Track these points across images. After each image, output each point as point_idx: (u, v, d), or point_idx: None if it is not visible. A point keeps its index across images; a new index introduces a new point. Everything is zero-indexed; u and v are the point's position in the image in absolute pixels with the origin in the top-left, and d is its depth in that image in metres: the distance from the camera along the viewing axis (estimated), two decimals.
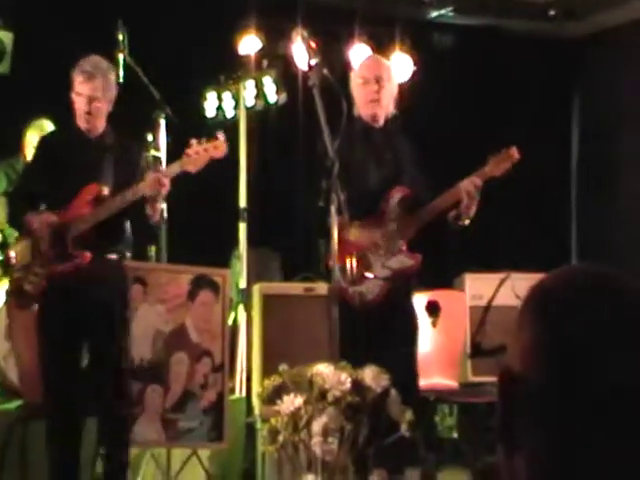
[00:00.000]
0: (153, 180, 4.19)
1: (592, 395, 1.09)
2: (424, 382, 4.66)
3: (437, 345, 5.17)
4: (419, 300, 4.92)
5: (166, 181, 4.20)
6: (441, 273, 5.65)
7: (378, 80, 4.37)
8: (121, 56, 6.01)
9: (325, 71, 4.08)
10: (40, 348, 4.33)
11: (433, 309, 5.26)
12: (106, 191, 4.31)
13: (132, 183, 4.28)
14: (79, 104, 4.30)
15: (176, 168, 4.30)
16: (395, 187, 4.33)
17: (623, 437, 1.09)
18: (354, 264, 4.20)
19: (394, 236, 4.29)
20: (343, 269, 4.17)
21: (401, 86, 6.68)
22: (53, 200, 4.36)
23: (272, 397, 3.02)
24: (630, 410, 1.08)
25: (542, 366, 1.13)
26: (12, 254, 4.81)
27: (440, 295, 5.40)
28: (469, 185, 4.18)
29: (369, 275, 4.23)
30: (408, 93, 6.39)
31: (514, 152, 4.26)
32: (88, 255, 4.25)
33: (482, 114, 7.06)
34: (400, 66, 6.60)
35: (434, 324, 5.22)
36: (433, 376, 5.07)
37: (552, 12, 7.42)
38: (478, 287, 5.39)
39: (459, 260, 6.00)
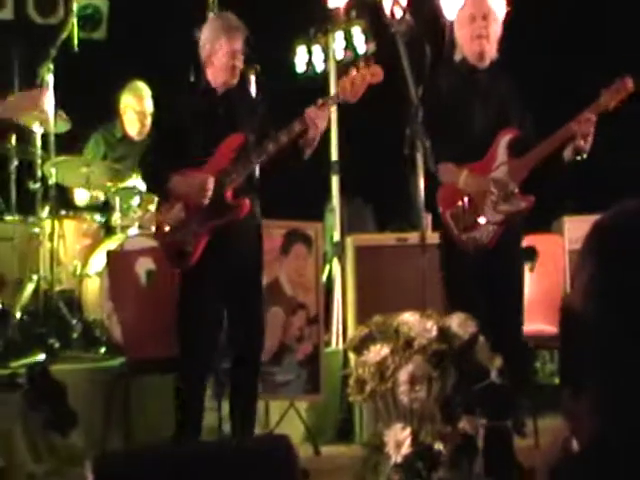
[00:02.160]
0: (315, 115, 4.17)
1: None
2: (527, 327, 4.59)
3: (535, 290, 5.06)
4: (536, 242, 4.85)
5: (328, 113, 4.26)
6: (538, 216, 5.52)
7: (486, 16, 4.27)
8: (211, 14, 6.05)
9: (409, 17, 3.98)
10: (184, 305, 4.32)
11: (530, 254, 5.15)
12: (250, 139, 4.29)
13: (268, 132, 4.28)
14: (228, 60, 4.30)
15: (335, 98, 4.29)
16: (503, 129, 4.23)
17: None
18: (466, 210, 4.14)
19: (505, 179, 4.19)
20: (454, 216, 4.13)
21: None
22: (195, 157, 4.30)
23: (359, 347, 3.01)
24: None
25: (600, 304, 1.09)
26: (154, 219, 4.75)
27: (537, 239, 5.28)
28: (583, 120, 4.06)
29: (481, 220, 4.16)
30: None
31: (629, 82, 4.09)
32: (247, 203, 4.25)
33: (596, 59, 6.77)
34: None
35: (531, 269, 5.11)
36: (532, 322, 4.98)
37: None
38: (577, 230, 5.24)
39: (557, 202, 5.84)
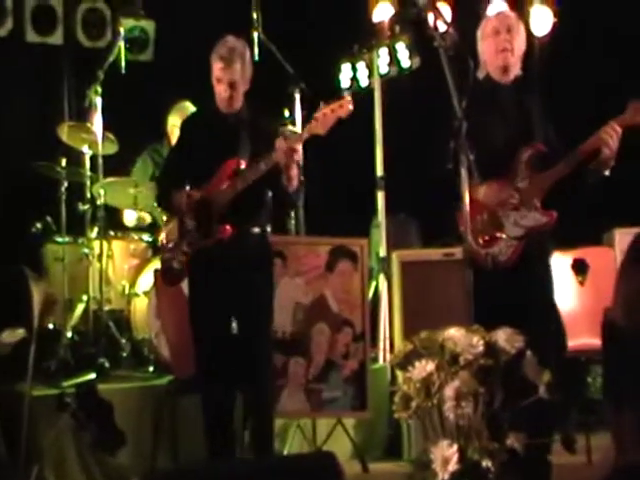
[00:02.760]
0: (283, 147, 4.18)
1: None
2: (573, 342, 4.52)
3: (586, 304, 4.99)
4: (564, 259, 4.77)
5: (297, 147, 4.20)
6: (588, 230, 5.44)
7: (510, 30, 4.23)
8: (256, 34, 6.10)
9: (452, 31, 3.96)
10: (191, 322, 4.38)
11: (580, 267, 5.08)
12: (243, 164, 4.33)
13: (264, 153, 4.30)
14: (220, 89, 4.34)
15: (305, 132, 4.28)
16: (524, 145, 4.19)
17: None
18: (485, 225, 4.09)
19: (526, 194, 4.14)
20: (473, 230, 4.08)
21: (541, 40, 6.45)
22: (197, 179, 4.39)
23: (404, 363, 2.97)
24: None
25: None
26: (162, 235, 4.92)
27: (588, 252, 5.21)
28: (607, 133, 3.98)
29: (501, 235, 4.11)
30: (549, 46, 6.21)
31: None
32: (229, 229, 4.26)
33: (625, 61, 6.70)
34: (540, 20, 6.42)
35: (582, 283, 5.04)
36: (583, 336, 4.91)
37: None
38: (629, 243, 5.16)
39: (608, 215, 5.76)
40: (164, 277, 4.53)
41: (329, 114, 4.21)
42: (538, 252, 4.15)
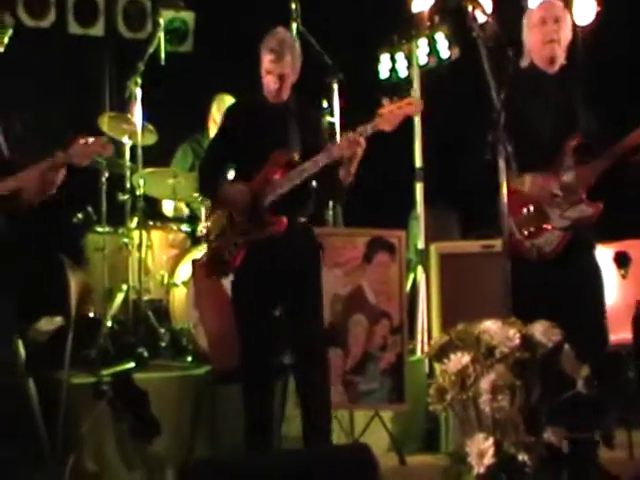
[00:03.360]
0: (349, 141, 4.17)
1: None
2: (615, 337, 4.46)
3: (628, 298, 4.94)
4: (606, 251, 4.72)
5: (362, 141, 4.18)
6: (631, 222, 5.37)
7: (557, 20, 4.20)
8: (294, 25, 6.10)
9: (489, 20, 3.93)
10: (236, 314, 4.37)
11: (623, 260, 5.04)
12: (296, 156, 4.32)
13: (318, 147, 4.27)
14: (269, 81, 4.33)
15: (370, 128, 4.24)
16: (570, 135, 4.15)
17: None
18: (531, 217, 4.07)
19: (572, 185, 4.11)
20: (519, 223, 4.07)
21: (584, 29, 6.36)
22: (243, 168, 4.39)
23: (439, 356, 2.96)
24: None
25: None
26: (204, 225, 4.90)
27: (630, 245, 5.16)
28: None
29: (547, 227, 4.08)
30: (592, 36, 6.12)
31: None
32: (285, 221, 4.26)
33: None
34: (583, 8, 6.34)
35: (624, 276, 4.99)
36: (624, 330, 4.86)
37: None
38: None
39: None
40: (213, 267, 4.48)
41: (396, 111, 4.20)
42: (583, 244, 4.13)
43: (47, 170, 4.03)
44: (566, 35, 4.26)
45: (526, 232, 4.06)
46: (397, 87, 6.56)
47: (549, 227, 4.07)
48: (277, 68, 4.29)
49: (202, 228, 5.69)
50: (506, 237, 3.73)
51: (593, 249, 4.25)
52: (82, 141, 4.06)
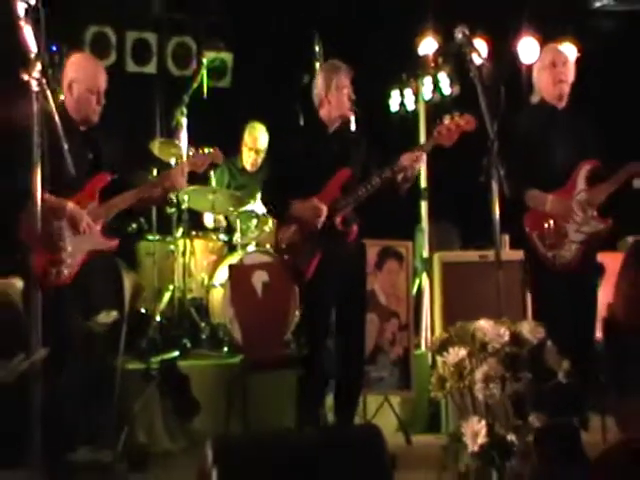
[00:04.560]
0: (410, 159, 4.14)
1: None
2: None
3: (602, 302, 4.90)
4: (607, 260, 4.72)
5: (423, 156, 4.19)
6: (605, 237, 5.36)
7: (565, 63, 4.28)
8: (317, 64, 6.12)
9: (484, 63, 3.94)
10: (306, 313, 4.37)
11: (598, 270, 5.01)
12: (356, 173, 4.28)
13: (369, 165, 4.27)
14: (339, 93, 4.31)
15: (430, 144, 4.24)
16: (582, 160, 4.18)
17: None
18: (552, 231, 4.09)
19: (585, 204, 4.15)
20: (541, 236, 4.10)
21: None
22: (307, 186, 4.26)
23: (440, 350, 2.97)
24: None
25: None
26: (275, 237, 4.77)
27: (605, 257, 5.11)
28: None
29: (566, 240, 4.14)
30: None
31: None
32: (356, 230, 4.25)
33: None
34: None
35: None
36: (599, 329, 4.83)
37: None
38: (628, 249, 5.07)
39: (622, 224, 5.67)
40: (291, 277, 4.39)
41: (454, 128, 4.18)
42: (592, 256, 4.19)
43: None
44: (572, 76, 4.30)
45: (548, 244, 4.10)
46: (405, 118, 6.56)
47: (567, 240, 4.12)
48: (345, 82, 4.32)
49: (248, 238, 5.73)
50: (498, 248, 3.75)
51: (596, 258, 4.30)
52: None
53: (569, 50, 6.36)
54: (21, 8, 3.24)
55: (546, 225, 4.12)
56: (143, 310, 5.59)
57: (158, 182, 4.30)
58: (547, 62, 4.29)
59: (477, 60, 3.92)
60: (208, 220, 6.25)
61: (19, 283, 3.87)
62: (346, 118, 4.40)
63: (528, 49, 6.26)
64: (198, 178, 6.06)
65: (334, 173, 4.26)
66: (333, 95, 4.32)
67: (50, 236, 3.91)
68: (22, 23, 3.25)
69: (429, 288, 5.58)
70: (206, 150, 4.46)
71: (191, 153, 4.39)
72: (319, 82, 4.37)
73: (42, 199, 3.32)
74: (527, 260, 4.25)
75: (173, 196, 5.79)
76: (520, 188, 4.05)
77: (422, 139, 6.14)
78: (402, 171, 4.18)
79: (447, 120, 4.21)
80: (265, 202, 4.68)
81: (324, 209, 4.19)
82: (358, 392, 4.46)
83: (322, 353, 4.27)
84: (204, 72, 6.25)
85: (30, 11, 3.22)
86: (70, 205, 3.99)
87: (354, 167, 4.29)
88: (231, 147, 6.35)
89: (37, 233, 3.37)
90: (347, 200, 4.24)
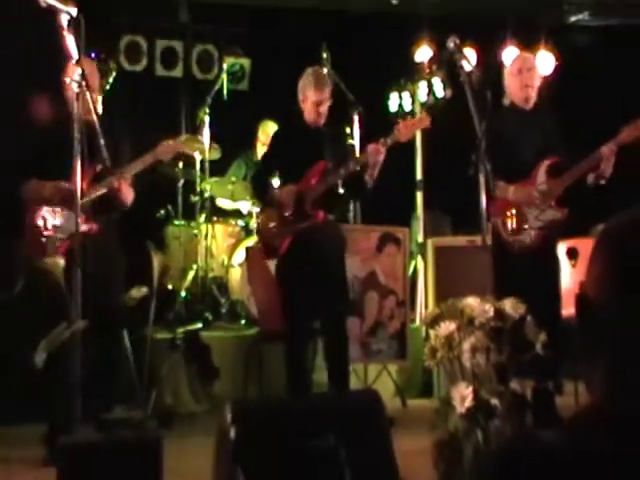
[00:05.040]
0: (374, 150, 4.12)
1: None
2: (566, 311, 4.45)
3: (576, 282, 4.90)
4: (561, 247, 4.70)
5: (383, 150, 4.15)
6: (579, 224, 5.36)
7: (530, 69, 4.24)
8: (325, 69, 6.08)
9: (473, 69, 3.93)
10: (283, 288, 4.27)
11: (573, 254, 5.01)
12: (330, 165, 4.27)
13: (347, 159, 4.24)
14: (310, 107, 4.24)
15: (390, 140, 4.21)
16: (544, 157, 4.16)
17: None
18: (513, 218, 4.09)
19: (545, 195, 4.13)
20: (503, 222, 4.08)
21: (546, 79, 6.35)
22: (289, 176, 4.29)
23: (432, 324, 2.98)
24: None
25: (609, 290, 1.06)
26: (256, 220, 4.83)
27: (579, 242, 5.13)
28: (607, 150, 3.99)
29: (526, 226, 4.09)
30: (552, 84, 6.09)
31: None
32: (322, 214, 4.24)
33: (613, 100, 6.55)
34: (545, 62, 6.30)
35: (574, 265, 4.96)
36: (573, 307, 4.83)
37: None
38: (599, 231, 5.06)
39: (595, 213, 5.65)
40: (266, 252, 4.40)
41: (410, 126, 4.20)
42: (552, 241, 4.16)
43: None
44: (537, 80, 4.27)
45: (510, 230, 4.09)
46: (403, 118, 6.52)
47: (527, 226, 4.10)
48: (319, 96, 4.23)
49: (255, 222, 5.73)
50: (484, 234, 3.75)
51: (557, 244, 4.28)
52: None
53: (543, 57, 6.40)
54: (64, 19, 3.25)
55: (508, 212, 4.09)
56: (170, 287, 5.60)
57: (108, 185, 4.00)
58: (515, 69, 4.28)
59: (467, 67, 3.91)
60: (227, 206, 6.25)
61: (61, 262, 3.88)
62: (314, 125, 4.31)
63: (511, 57, 6.23)
64: (218, 169, 6.10)
65: (311, 165, 4.25)
66: (305, 104, 4.30)
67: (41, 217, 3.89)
68: (65, 32, 3.26)
69: (423, 269, 5.58)
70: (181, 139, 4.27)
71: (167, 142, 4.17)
72: (299, 87, 4.33)
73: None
74: (492, 244, 4.21)
75: (197, 187, 5.81)
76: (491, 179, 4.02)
77: (418, 136, 6.13)
78: (366, 165, 4.15)
79: (403, 120, 4.23)
80: (253, 187, 4.69)
81: (291, 196, 4.18)
82: (346, 364, 4.34)
83: (300, 328, 4.22)
84: (225, 76, 6.24)
85: (72, 22, 3.23)
86: (49, 185, 3.87)
87: (328, 161, 4.27)
88: (247, 142, 6.35)
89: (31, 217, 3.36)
90: (317, 189, 4.23)
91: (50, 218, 3.92)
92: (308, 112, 4.28)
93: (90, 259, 3.57)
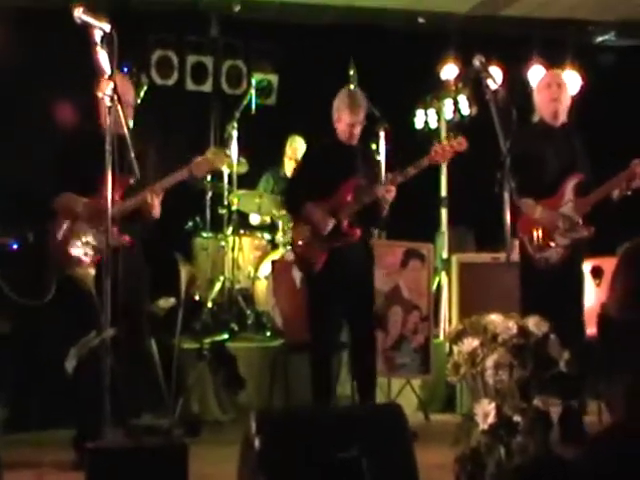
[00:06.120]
0: (383, 189, 4.17)
1: None
2: (590, 330, 4.42)
3: (600, 301, 4.87)
4: (585, 266, 4.68)
5: (394, 188, 4.20)
6: (605, 243, 5.33)
7: (559, 85, 4.26)
8: (352, 86, 6.12)
9: (499, 88, 3.95)
10: (313, 302, 4.28)
11: (597, 272, 4.97)
12: (363, 182, 4.30)
13: (377, 178, 4.28)
14: (344, 128, 4.27)
15: (425, 163, 4.24)
16: (571, 174, 4.16)
17: None
18: (540, 236, 4.09)
19: (572, 212, 4.13)
20: (530, 240, 4.09)
21: (572, 98, 6.37)
22: (320, 192, 4.27)
23: (455, 340, 2.98)
24: None
25: (634, 308, 1.07)
26: (290, 235, 4.77)
27: (604, 261, 5.08)
28: (632, 171, 4.03)
29: (552, 244, 4.09)
30: (578, 103, 6.08)
31: None
32: (359, 232, 4.26)
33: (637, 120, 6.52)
34: (571, 82, 6.29)
35: (598, 285, 4.93)
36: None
37: None
38: (621, 251, 5.02)
39: (620, 232, 5.61)
40: (302, 267, 4.40)
41: (448, 148, 4.22)
42: (578, 258, 4.16)
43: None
44: (566, 97, 4.27)
45: (537, 247, 4.09)
46: (429, 135, 6.55)
47: (553, 244, 4.10)
48: (354, 118, 4.25)
49: (288, 237, 5.73)
50: (508, 251, 3.75)
51: (582, 262, 4.27)
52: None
53: (570, 76, 6.39)
54: (98, 35, 3.32)
55: (535, 230, 4.10)
56: (197, 297, 5.64)
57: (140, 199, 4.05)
58: (543, 84, 4.30)
59: (492, 85, 3.93)
60: (254, 220, 6.29)
61: (92, 271, 3.93)
62: (346, 144, 4.34)
63: (537, 76, 6.24)
64: (247, 183, 6.15)
65: (344, 181, 4.27)
66: (339, 124, 4.32)
67: (72, 232, 3.94)
68: (98, 48, 3.32)
69: (447, 285, 5.57)
70: (211, 154, 4.24)
71: (198, 158, 4.23)
72: (334, 107, 4.36)
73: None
74: (520, 260, 4.23)
75: (225, 199, 5.86)
76: (517, 196, 4.03)
77: None
78: (378, 200, 4.16)
79: (444, 141, 4.25)
80: (284, 203, 4.69)
81: (330, 224, 4.20)
82: (374, 377, 4.38)
83: (327, 342, 4.24)
84: (253, 91, 6.29)
85: (105, 37, 3.30)
86: (83, 201, 3.93)
87: (361, 178, 4.29)
88: (275, 157, 6.39)
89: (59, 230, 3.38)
90: (352, 206, 4.25)
91: (82, 232, 3.97)
92: (342, 132, 4.30)
93: (121, 270, 3.62)
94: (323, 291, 4.23)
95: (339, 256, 4.23)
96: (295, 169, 5.10)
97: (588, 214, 4.16)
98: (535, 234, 4.09)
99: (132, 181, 3.89)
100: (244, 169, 5.99)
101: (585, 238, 4.14)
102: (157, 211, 4.01)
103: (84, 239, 3.96)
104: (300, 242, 4.34)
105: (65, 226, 3.96)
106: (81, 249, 3.95)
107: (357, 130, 4.29)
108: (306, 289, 4.39)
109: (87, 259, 3.92)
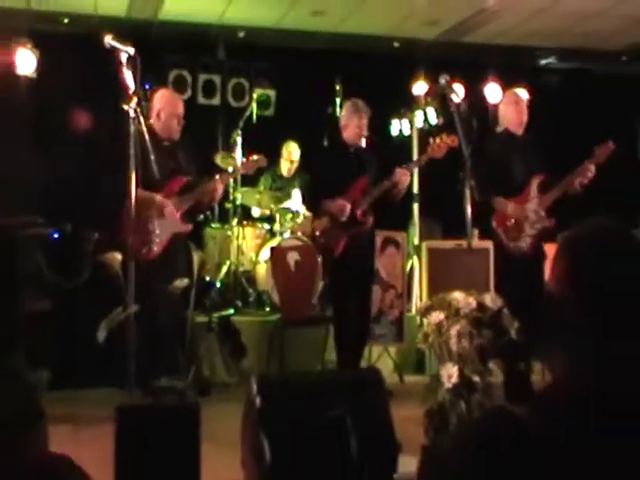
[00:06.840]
0: (402, 173, 4.24)
1: (601, 302, 1.03)
2: None
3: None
4: (550, 249, 4.72)
5: (409, 173, 4.29)
6: (561, 230, 5.34)
7: (523, 101, 4.33)
8: (338, 99, 6.11)
9: (461, 102, 3.96)
10: (336, 282, 4.33)
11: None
12: (371, 180, 4.34)
13: (382, 178, 4.31)
14: (354, 130, 4.30)
15: (425, 157, 4.31)
16: (534, 175, 4.20)
17: (627, 334, 1.02)
18: (512, 227, 4.12)
19: (537, 207, 4.17)
20: (505, 231, 4.14)
21: None
22: (335, 190, 4.29)
23: (425, 313, 2.99)
24: (629, 310, 1.01)
25: (569, 287, 1.08)
26: (311, 227, 4.73)
27: (547, 247, 5.11)
28: (585, 169, 4.12)
29: (522, 234, 4.17)
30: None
31: (611, 144, 4.18)
32: (372, 220, 4.33)
33: (582, 130, 6.50)
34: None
35: None
36: None
37: (624, 57, 6.79)
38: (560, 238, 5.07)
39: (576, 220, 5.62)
40: (322, 252, 4.40)
41: (442, 144, 4.24)
42: (541, 244, 4.22)
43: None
44: (526, 111, 4.32)
45: (510, 237, 4.15)
46: (402, 141, 6.55)
47: (524, 234, 4.16)
48: (360, 122, 4.30)
49: (285, 227, 5.72)
50: (469, 239, 3.77)
51: (544, 246, 4.33)
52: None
53: (524, 93, 6.40)
54: (123, 57, 3.32)
55: (508, 223, 4.15)
56: (207, 278, 5.61)
57: (204, 190, 4.27)
58: (512, 100, 4.33)
59: (456, 99, 3.94)
60: (255, 213, 6.27)
61: (119, 257, 3.92)
62: (357, 145, 4.39)
63: (493, 92, 6.26)
64: (249, 181, 6.12)
65: (354, 181, 4.29)
66: (349, 127, 4.34)
67: (143, 222, 3.97)
68: (124, 68, 3.32)
69: (418, 267, 5.56)
70: (255, 157, 4.48)
71: (244, 160, 4.43)
72: (343, 114, 4.41)
73: (136, 194, 3.40)
74: (495, 248, 4.29)
75: (230, 195, 5.83)
76: (489, 195, 4.10)
77: (415, 156, 6.14)
78: (396, 184, 4.20)
79: (438, 139, 4.27)
80: (306, 200, 4.73)
81: (348, 206, 4.24)
82: (365, 342, 4.44)
83: (346, 313, 4.27)
84: (254, 104, 6.26)
85: (130, 59, 3.30)
86: (158, 197, 4.05)
87: (369, 177, 4.32)
88: (273, 159, 6.35)
89: (132, 221, 3.44)
90: (365, 200, 4.28)
91: (154, 223, 4.08)
92: (352, 135, 4.34)
93: (175, 254, 3.83)
94: (344, 272, 4.27)
95: (356, 241, 4.28)
96: (312, 175, 4.98)
97: (550, 208, 4.20)
98: (509, 226, 4.14)
99: (187, 179, 4.06)
100: (263, 164, 5.93)
101: (548, 228, 4.19)
102: (218, 196, 4.22)
103: (154, 226, 4.06)
104: (319, 232, 4.36)
105: (144, 217, 3.99)
106: (151, 236, 4.03)
107: (364, 132, 4.34)
108: (328, 271, 4.43)
109: (155, 246, 4.02)
